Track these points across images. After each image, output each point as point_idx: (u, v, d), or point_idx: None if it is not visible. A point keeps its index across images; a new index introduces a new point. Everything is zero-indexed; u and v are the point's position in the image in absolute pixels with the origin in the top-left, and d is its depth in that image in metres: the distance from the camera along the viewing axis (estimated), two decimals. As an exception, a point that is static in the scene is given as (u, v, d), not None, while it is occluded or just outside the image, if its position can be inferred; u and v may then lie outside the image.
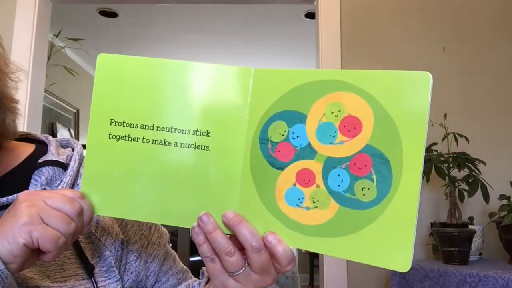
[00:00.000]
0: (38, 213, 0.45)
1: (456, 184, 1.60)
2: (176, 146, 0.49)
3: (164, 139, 0.49)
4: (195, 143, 0.49)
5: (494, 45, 1.99)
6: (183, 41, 4.13)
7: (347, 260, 1.85)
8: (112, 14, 3.52)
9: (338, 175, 0.47)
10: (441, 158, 1.63)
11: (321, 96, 0.47)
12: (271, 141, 0.49)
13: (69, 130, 3.96)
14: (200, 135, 0.49)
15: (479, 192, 1.56)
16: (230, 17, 3.63)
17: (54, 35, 3.27)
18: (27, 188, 0.59)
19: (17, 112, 0.63)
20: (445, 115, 1.68)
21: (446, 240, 1.56)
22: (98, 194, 0.51)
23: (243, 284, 0.52)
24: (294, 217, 0.49)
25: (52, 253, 0.46)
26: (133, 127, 0.50)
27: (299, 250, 4.46)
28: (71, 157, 0.64)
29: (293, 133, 0.48)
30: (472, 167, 1.59)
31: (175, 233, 2.91)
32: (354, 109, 0.46)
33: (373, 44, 2.00)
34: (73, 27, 3.54)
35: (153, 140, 0.50)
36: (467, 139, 1.68)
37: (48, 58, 2.51)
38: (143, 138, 0.50)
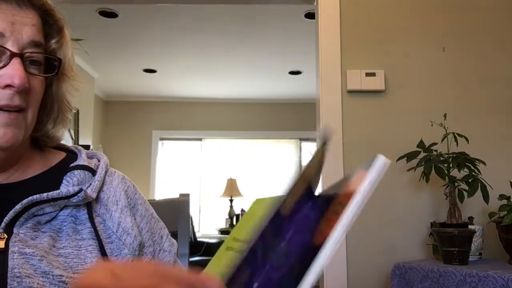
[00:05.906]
0: None
1: (456, 184, 1.60)
2: (230, 250, 0.59)
3: (231, 246, 0.60)
4: (239, 248, 0.58)
5: (494, 45, 1.99)
6: (183, 41, 4.13)
7: (347, 260, 1.86)
8: (112, 14, 3.53)
9: None
10: (441, 158, 1.63)
11: None
12: None
13: (69, 130, 3.96)
14: (241, 242, 0.59)
15: (479, 192, 1.56)
16: (230, 17, 3.63)
17: (54, 35, 3.26)
18: (58, 188, 0.66)
19: (68, 123, 0.71)
20: (445, 115, 1.69)
21: (446, 240, 1.56)
22: None
23: None
24: None
25: None
26: (234, 240, 0.60)
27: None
28: (98, 166, 0.73)
29: None
30: (472, 167, 1.59)
31: (175, 233, 2.90)
32: None
33: (373, 45, 2.00)
34: (73, 27, 3.54)
35: (227, 246, 0.60)
36: (467, 139, 1.68)
37: (48, 58, 2.51)
38: (227, 245, 0.61)
